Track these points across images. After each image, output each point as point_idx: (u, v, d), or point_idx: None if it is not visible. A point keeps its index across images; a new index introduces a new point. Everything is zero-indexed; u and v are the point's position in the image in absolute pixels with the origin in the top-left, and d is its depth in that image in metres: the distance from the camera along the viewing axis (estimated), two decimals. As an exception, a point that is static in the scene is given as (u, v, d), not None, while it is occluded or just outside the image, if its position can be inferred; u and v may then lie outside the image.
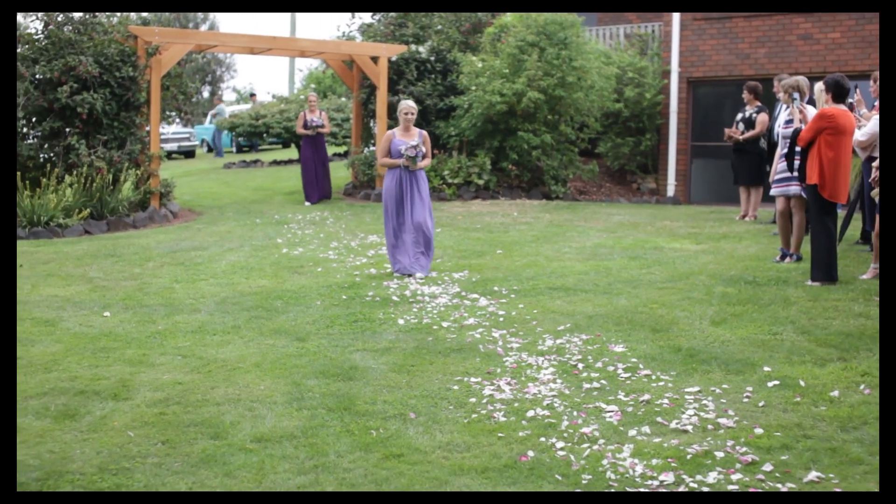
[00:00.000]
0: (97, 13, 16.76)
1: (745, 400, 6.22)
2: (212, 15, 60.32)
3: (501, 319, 8.70)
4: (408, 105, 11.08)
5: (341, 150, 31.20)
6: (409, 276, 10.78)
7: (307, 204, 18.44)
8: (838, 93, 9.76)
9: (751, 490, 4.83)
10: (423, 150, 11.02)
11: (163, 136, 34.94)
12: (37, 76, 15.97)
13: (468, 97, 18.96)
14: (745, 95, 15.36)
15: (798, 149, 10.05)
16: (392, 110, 19.65)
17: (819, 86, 10.24)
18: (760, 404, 6.12)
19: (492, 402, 6.29)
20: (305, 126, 18.63)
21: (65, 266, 11.72)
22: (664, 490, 4.88)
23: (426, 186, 11.13)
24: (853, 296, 9.10)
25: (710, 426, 5.75)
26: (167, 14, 43.07)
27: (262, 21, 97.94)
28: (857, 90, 11.58)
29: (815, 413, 5.91)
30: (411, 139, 10.97)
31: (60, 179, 15.63)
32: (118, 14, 17.78)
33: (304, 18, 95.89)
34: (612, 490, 4.89)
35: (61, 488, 4.95)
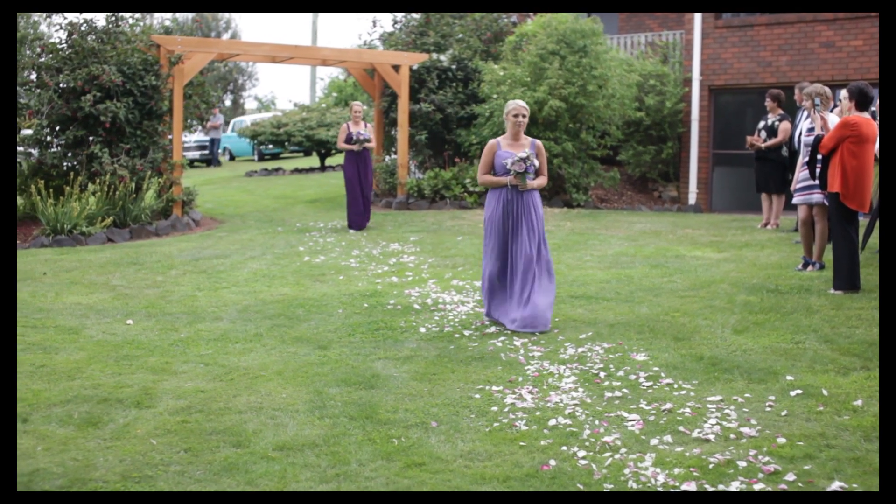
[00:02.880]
0: (120, 22, 16.86)
1: (768, 409, 6.19)
2: (234, 24, 60.62)
3: (523, 328, 8.68)
4: (518, 106, 8.78)
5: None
6: (531, 333, 8.44)
7: (351, 232, 15.64)
8: (862, 101, 9.71)
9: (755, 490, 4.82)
10: (536, 163, 8.67)
11: (185, 145, 35.20)
12: (60, 85, 16.09)
13: (489, 105, 18.98)
14: (768, 103, 15.31)
15: (819, 156, 10.01)
16: (413, 118, 19.70)
17: (843, 93, 10.21)
18: (783, 413, 6.09)
19: (513, 411, 6.28)
20: (349, 140, 15.78)
21: (88, 274, 11.78)
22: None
23: (541, 212, 8.78)
24: (876, 304, 9.04)
25: (732, 435, 5.72)
26: (189, 23, 43.31)
27: (283, 30, 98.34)
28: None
29: (838, 422, 5.88)
30: (521, 150, 8.69)
31: (83, 188, 15.72)
32: (141, 23, 17.91)
33: (325, 27, 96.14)
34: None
35: (85, 496, 4.98)
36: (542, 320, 8.50)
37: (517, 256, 8.69)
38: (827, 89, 10.96)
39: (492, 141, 8.90)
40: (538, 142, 8.90)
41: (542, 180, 8.92)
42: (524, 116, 8.80)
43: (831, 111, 11.48)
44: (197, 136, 35.27)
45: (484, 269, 8.92)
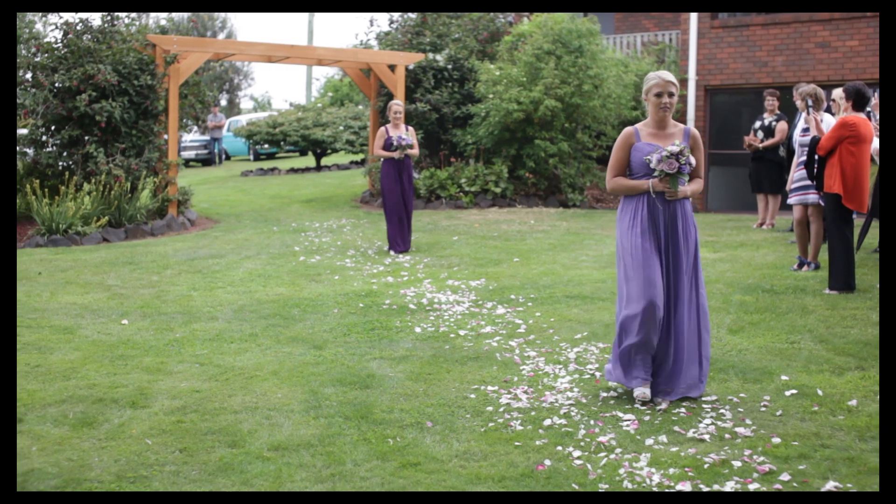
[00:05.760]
0: (115, 21, 16.85)
1: (763, 409, 6.20)
2: (229, 23, 60.61)
3: (519, 328, 8.69)
4: (662, 80, 6.44)
5: (358, 157, 31.31)
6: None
7: (392, 252, 13.36)
8: (859, 101, 9.73)
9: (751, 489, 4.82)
10: (692, 161, 6.41)
11: (189, 144, 35.20)
12: (56, 84, 16.07)
13: (485, 105, 18.99)
14: (773, 102, 15.24)
15: (816, 156, 10.01)
16: (409, 118, 19.69)
17: (838, 93, 10.22)
18: (778, 413, 6.09)
19: (509, 411, 6.28)
20: (388, 146, 13.36)
21: (83, 274, 11.76)
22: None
23: (694, 232, 6.53)
24: (871, 304, 9.06)
25: (727, 435, 5.72)
26: (185, 23, 43.29)
27: (279, 29, 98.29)
28: (876, 94, 11.54)
29: (832, 422, 5.88)
30: (669, 142, 6.47)
31: (79, 187, 15.70)
32: (137, 22, 17.89)
33: (321, 27, 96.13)
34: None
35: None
36: (678, 392, 6.48)
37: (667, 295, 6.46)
38: (820, 90, 10.97)
39: (628, 129, 6.54)
40: (693, 130, 6.59)
41: (699, 184, 6.62)
42: (671, 95, 6.41)
43: (827, 112, 11.50)
44: (201, 136, 35.29)
45: (619, 314, 6.55)
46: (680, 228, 6.40)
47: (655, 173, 6.33)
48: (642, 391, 6.38)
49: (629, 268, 6.38)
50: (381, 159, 13.62)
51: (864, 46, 17.94)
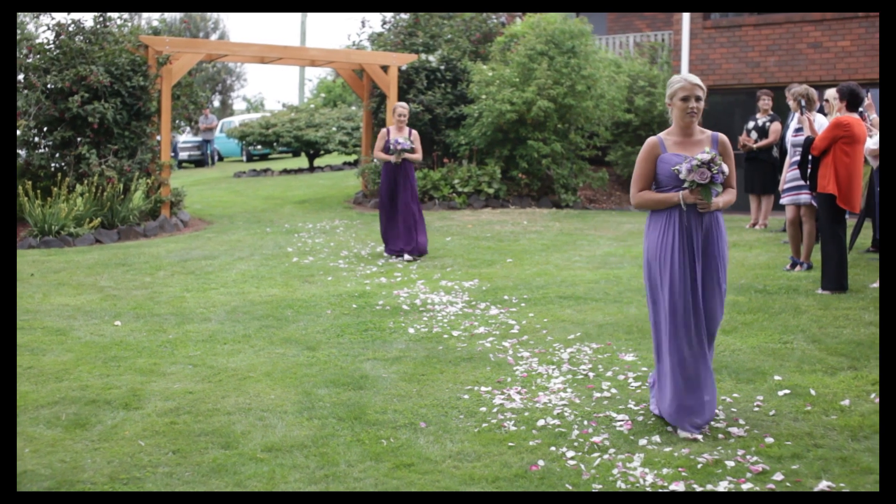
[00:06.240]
0: (108, 22, 16.83)
1: (756, 409, 6.21)
2: (222, 24, 60.54)
3: (512, 329, 8.69)
4: (688, 83, 5.97)
5: (351, 158, 31.30)
6: None
7: (385, 254, 13.12)
8: (853, 101, 9.76)
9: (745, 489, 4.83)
10: (725, 169, 5.98)
11: (184, 145, 35.16)
12: (48, 86, 16.04)
13: (478, 106, 18.99)
14: (765, 102, 15.23)
15: (810, 157, 10.03)
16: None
17: (832, 93, 10.23)
18: (771, 413, 6.10)
19: (502, 412, 6.28)
20: (387, 149, 12.95)
21: (76, 275, 11.75)
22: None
23: (725, 249, 6.22)
24: (864, 304, 9.07)
25: (720, 435, 5.73)
26: (178, 24, 43.23)
27: (272, 30, 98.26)
28: (869, 94, 11.57)
29: (825, 422, 5.89)
30: (698, 149, 6.04)
31: (71, 189, 15.67)
32: (129, 23, 17.86)
33: (314, 28, 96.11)
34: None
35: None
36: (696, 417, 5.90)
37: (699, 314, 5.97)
38: (812, 90, 10.99)
39: (651, 140, 6.08)
40: (722, 136, 6.14)
41: (731, 195, 6.14)
42: (699, 99, 5.96)
43: (819, 112, 11.51)
44: (194, 137, 35.28)
45: (654, 334, 6.14)
46: (714, 242, 6.01)
47: (686, 184, 5.87)
48: (691, 435, 5.74)
49: (659, 286, 5.97)
50: (378, 160, 13.25)
51: (856, 47, 17.98)
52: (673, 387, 5.87)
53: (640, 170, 6.04)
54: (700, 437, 5.66)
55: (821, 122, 10.85)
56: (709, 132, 6.12)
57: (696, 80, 5.95)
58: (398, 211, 12.90)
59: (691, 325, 5.87)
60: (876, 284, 9.85)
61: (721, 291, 6.05)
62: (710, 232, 5.99)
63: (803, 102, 10.70)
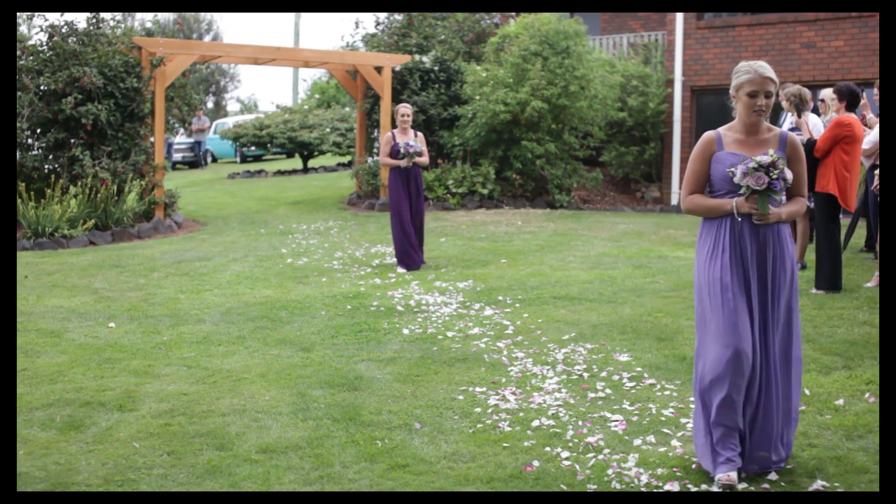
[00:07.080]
0: (101, 24, 16.80)
1: (751, 409, 6.21)
2: (215, 25, 60.51)
3: (506, 329, 8.69)
4: (756, 73, 5.15)
5: (345, 159, 31.29)
6: None
7: (400, 270, 12.01)
8: (852, 101, 9.79)
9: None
10: (788, 176, 5.04)
11: (177, 146, 35.12)
12: (41, 87, 16.02)
13: (472, 107, 19.00)
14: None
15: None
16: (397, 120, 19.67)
17: (829, 93, 10.24)
18: (765, 413, 6.10)
19: (497, 412, 6.28)
20: (395, 153, 12.17)
21: (70, 277, 11.73)
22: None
23: (792, 265, 5.15)
24: (858, 304, 9.09)
25: (715, 435, 5.73)
26: (171, 25, 43.19)
27: (265, 31, 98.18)
28: (865, 94, 11.59)
29: (820, 422, 5.90)
30: (760, 151, 5.15)
31: (65, 190, 15.66)
32: (122, 25, 17.84)
33: (307, 29, 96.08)
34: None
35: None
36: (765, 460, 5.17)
37: (755, 342, 5.06)
38: (805, 90, 11.00)
39: (708, 135, 5.29)
40: (792, 136, 5.26)
41: (800, 205, 5.22)
42: (769, 96, 5.12)
43: (813, 113, 11.52)
44: (186, 138, 35.24)
45: (697, 363, 5.25)
46: (771, 260, 5.06)
47: (741, 190, 5.03)
48: (728, 476, 4.94)
49: (707, 310, 5.08)
50: (385, 166, 12.68)
51: (850, 47, 18.02)
52: (708, 404, 5.14)
53: (691, 169, 5.25)
54: (735, 485, 4.92)
55: (814, 123, 10.86)
56: (777, 130, 5.25)
57: (768, 71, 5.12)
58: (412, 220, 12.15)
59: (731, 343, 4.96)
60: (870, 284, 9.87)
61: (786, 313, 5.14)
62: (766, 246, 5.07)
63: (797, 103, 10.70)
